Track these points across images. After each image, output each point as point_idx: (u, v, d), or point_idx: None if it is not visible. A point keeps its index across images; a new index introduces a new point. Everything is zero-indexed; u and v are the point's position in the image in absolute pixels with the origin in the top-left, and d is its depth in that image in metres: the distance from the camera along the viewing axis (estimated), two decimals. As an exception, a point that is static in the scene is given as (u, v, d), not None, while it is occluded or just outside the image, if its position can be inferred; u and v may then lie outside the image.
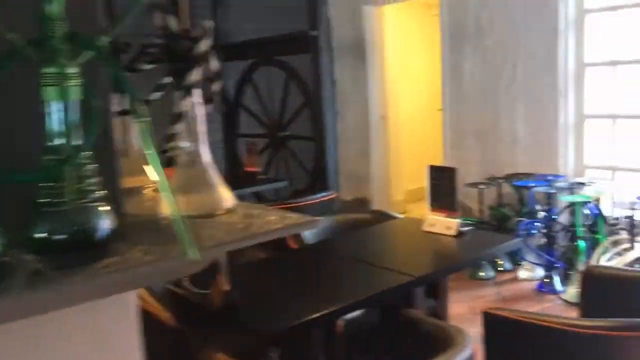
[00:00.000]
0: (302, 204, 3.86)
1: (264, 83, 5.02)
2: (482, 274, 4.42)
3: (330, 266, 2.51)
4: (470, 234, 2.61)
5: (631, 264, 3.45)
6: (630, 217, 3.46)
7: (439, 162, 5.52)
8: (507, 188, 4.60)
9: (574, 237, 3.91)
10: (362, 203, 6.25)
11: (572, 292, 3.84)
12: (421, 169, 6.16)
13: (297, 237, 2.83)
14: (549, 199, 4.09)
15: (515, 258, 4.45)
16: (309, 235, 2.98)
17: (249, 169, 4.42)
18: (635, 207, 3.44)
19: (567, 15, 4.38)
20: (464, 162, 5.28)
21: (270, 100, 5.00)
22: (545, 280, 4.09)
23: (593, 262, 3.66)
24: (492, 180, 4.62)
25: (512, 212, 4.53)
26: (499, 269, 4.54)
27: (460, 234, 2.59)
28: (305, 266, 2.49)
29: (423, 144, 6.54)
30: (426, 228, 2.70)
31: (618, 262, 3.45)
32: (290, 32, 4.36)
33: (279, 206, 3.91)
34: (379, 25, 5.99)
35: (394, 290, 2.16)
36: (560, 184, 4.28)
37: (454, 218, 2.63)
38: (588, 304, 2.35)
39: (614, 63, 4.27)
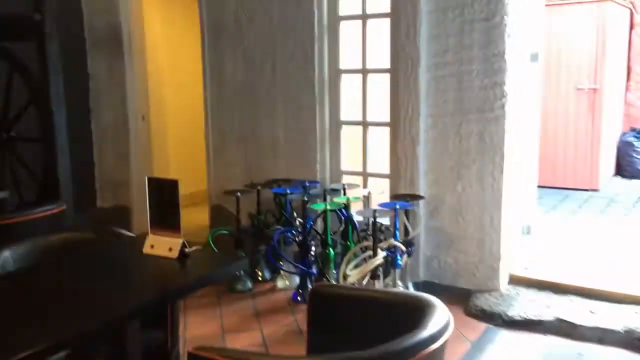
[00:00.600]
0: (15, 220, 3.25)
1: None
2: (239, 286, 4.20)
3: (25, 300, 2.03)
4: (196, 255, 2.31)
5: (374, 270, 3.47)
6: (374, 224, 3.48)
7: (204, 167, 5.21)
8: (267, 194, 4.44)
9: (325, 245, 3.86)
10: (122, 211, 5.69)
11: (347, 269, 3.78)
12: (193, 173, 5.88)
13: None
14: (304, 206, 4.00)
15: (275, 267, 4.32)
16: (8, 259, 2.45)
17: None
18: (377, 214, 3.47)
19: (321, 21, 4.35)
20: (228, 167, 5.05)
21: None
22: (300, 290, 3.99)
23: (341, 270, 3.63)
24: (251, 186, 4.43)
25: (273, 219, 4.39)
26: (259, 279, 4.37)
27: (183, 256, 2.28)
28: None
29: (192, 146, 6.15)
30: (146, 250, 2.34)
31: (362, 270, 3.45)
32: (9, 14, 3.68)
33: (-7, 222, 3.25)
34: (138, 14, 5.48)
35: (86, 334, 1.77)
36: (315, 190, 4.23)
37: (177, 238, 2.31)
38: (315, 325, 2.21)
39: (364, 71, 4.34)
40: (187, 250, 2.29)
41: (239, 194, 4.19)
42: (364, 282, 3.74)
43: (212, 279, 2.33)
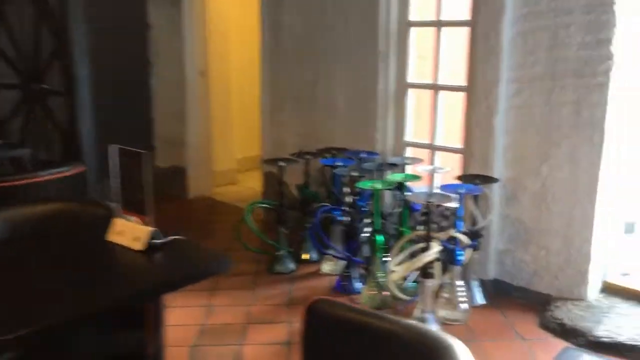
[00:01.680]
0: (30, 180, 2.93)
1: (17, 19, 3.93)
2: (279, 267, 3.72)
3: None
4: (168, 248, 1.83)
5: (425, 268, 2.85)
6: (427, 210, 2.84)
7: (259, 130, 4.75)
8: (320, 166, 3.89)
9: (374, 229, 3.27)
10: (178, 173, 5.37)
11: (366, 295, 3.22)
12: (253, 134, 5.43)
13: None
14: (352, 182, 3.42)
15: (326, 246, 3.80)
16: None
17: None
18: (433, 198, 2.82)
19: (389, -37, 3.66)
20: (283, 131, 4.54)
21: (25, 43, 3.93)
22: (344, 277, 3.45)
23: (391, 261, 3.04)
24: (299, 155, 3.90)
25: (325, 194, 3.85)
26: (305, 259, 3.87)
27: (151, 249, 1.80)
28: None
29: (256, 107, 5.71)
30: (112, 236, 1.89)
31: (408, 267, 2.84)
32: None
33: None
34: (199, -39, 5.02)
35: None
36: (370, 164, 3.62)
37: (146, 225, 1.83)
38: (309, 349, 1.68)
39: (438, 24, 3.61)
40: (156, 241, 1.80)
41: (283, 163, 3.67)
42: (412, 280, 3.15)
43: (182, 282, 1.84)
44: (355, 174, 3.37)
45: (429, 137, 3.77)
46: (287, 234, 3.73)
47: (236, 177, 5.91)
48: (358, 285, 3.38)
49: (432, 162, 3.75)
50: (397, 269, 2.83)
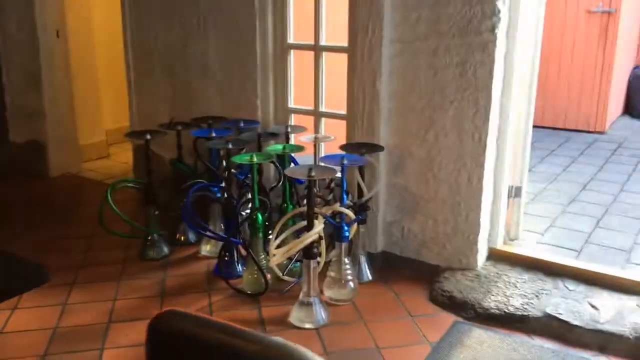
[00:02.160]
0: None
1: None
2: (151, 253, 3.34)
3: None
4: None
5: (308, 249, 2.60)
6: (308, 185, 2.57)
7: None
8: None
9: (253, 207, 2.97)
10: (37, 148, 4.76)
11: (247, 279, 2.94)
12: (125, 102, 4.88)
13: None
14: (227, 155, 3.08)
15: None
16: None
17: None
18: (314, 171, 2.54)
19: None
20: (154, 99, 4.09)
21: None
22: (223, 260, 3.14)
23: (270, 245, 2.76)
24: (169, 126, 3.49)
25: (203, 169, 3.48)
26: (179, 241, 3.51)
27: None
28: None
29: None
30: None
31: (289, 249, 2.57)
32: None
33: None
34: None
35: None
36: (249, 134, 3.30)
37: None
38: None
39: (317, -22, 3.30)
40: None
41: (148, 136, 3.25)
42: (296, 260, 2.91)
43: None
44: (231, 146, 3.02)
45: (313, 103, 3.50)
46: (158, 215, 3.34)
47: (108, 150, 5.37)
48: (239, 268, 3.09)
49: (317, 131, 3.50)
50: (277, 252, 2.56)
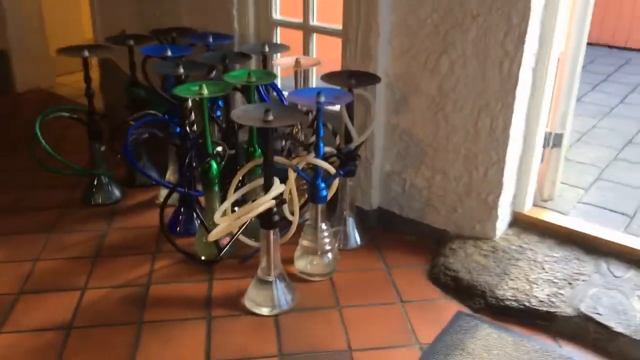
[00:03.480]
0: None
1: None
2: (98, 196, 2.77)
3: None
4: None
5: (267, 216, 1.95)
6: (269, 129, 1.88)
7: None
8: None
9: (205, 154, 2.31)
10: (0, 58, 4.15)
11: (200, 242, 2.34)
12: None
13: None
14: (178, 82, 2.39)
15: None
16: None
17: None
18: (270, 114, 1.84)
19: None
20: (119, 7, 3.38)
21: None
22: (180, 213, 2.54)
23: (217, 208, 2.12)
24: (119, 40, 2.80)
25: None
26: (137, 183, 2.92)
27: None
28: None
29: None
30: None
31: (233, 219, 1.92)
32: None
33: None
34: None
35: None
36: (208, 55, 2.58)
37: None
38: None
39: None
40: None
41: (86, 52, 2.56)
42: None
43: None
44: (182, 70, 2.33)
45: (302, 14, 2.74)
46: (104, 152, 2.73)
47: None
48: (197, 225, 2.49)
49: (306, 51, 2.76)
50: (221, 220, 1.92)
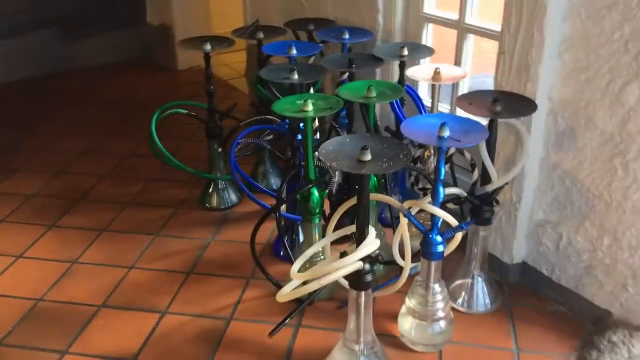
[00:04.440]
0: None
1: None
2: (212, 199, 2.58)
3: None
4: None
5: (347, 279, 1.56)
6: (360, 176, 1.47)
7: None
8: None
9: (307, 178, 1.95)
10: (165, 32, 4.19)
11: (295, 268, 2.01)
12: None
13: None
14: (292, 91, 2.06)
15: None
16: None
17: None
18: (366, 154, 1.42)
19: None
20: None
21: None
22: (284, 238, 2.24)
23: (297, 258, 1.76)
24: (247, 32, 2.54)
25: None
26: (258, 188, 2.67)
27: None
28: None
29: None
30: None
31: (300, 287, 1.55)
32: None
33: None
34: None
35: None
36: (330, 57, 2.20)
37: None
38: None
39: None
40: None
41: (208, 46, 2.33)
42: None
43: None
44: (297, 77, 1.99)
45: (459, 9, 2.24)
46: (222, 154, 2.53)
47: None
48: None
49: (459, 54, 2.25)
50: (296, 277, 1.57)
